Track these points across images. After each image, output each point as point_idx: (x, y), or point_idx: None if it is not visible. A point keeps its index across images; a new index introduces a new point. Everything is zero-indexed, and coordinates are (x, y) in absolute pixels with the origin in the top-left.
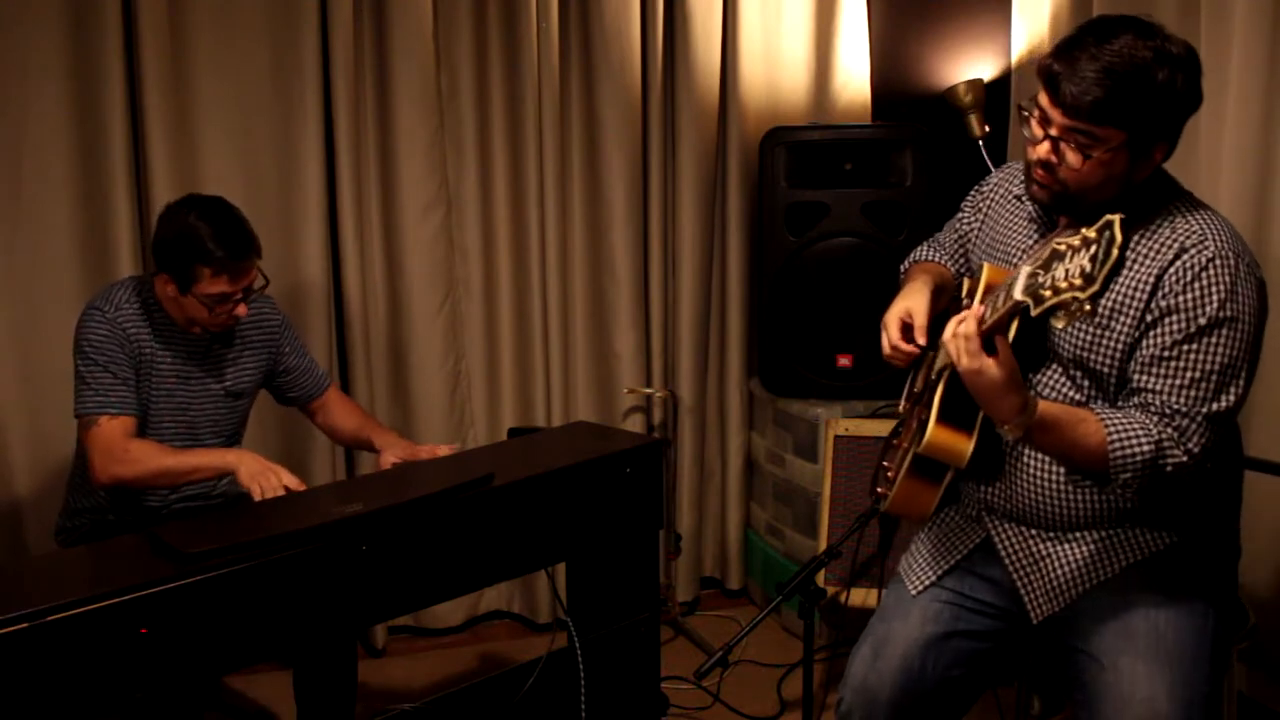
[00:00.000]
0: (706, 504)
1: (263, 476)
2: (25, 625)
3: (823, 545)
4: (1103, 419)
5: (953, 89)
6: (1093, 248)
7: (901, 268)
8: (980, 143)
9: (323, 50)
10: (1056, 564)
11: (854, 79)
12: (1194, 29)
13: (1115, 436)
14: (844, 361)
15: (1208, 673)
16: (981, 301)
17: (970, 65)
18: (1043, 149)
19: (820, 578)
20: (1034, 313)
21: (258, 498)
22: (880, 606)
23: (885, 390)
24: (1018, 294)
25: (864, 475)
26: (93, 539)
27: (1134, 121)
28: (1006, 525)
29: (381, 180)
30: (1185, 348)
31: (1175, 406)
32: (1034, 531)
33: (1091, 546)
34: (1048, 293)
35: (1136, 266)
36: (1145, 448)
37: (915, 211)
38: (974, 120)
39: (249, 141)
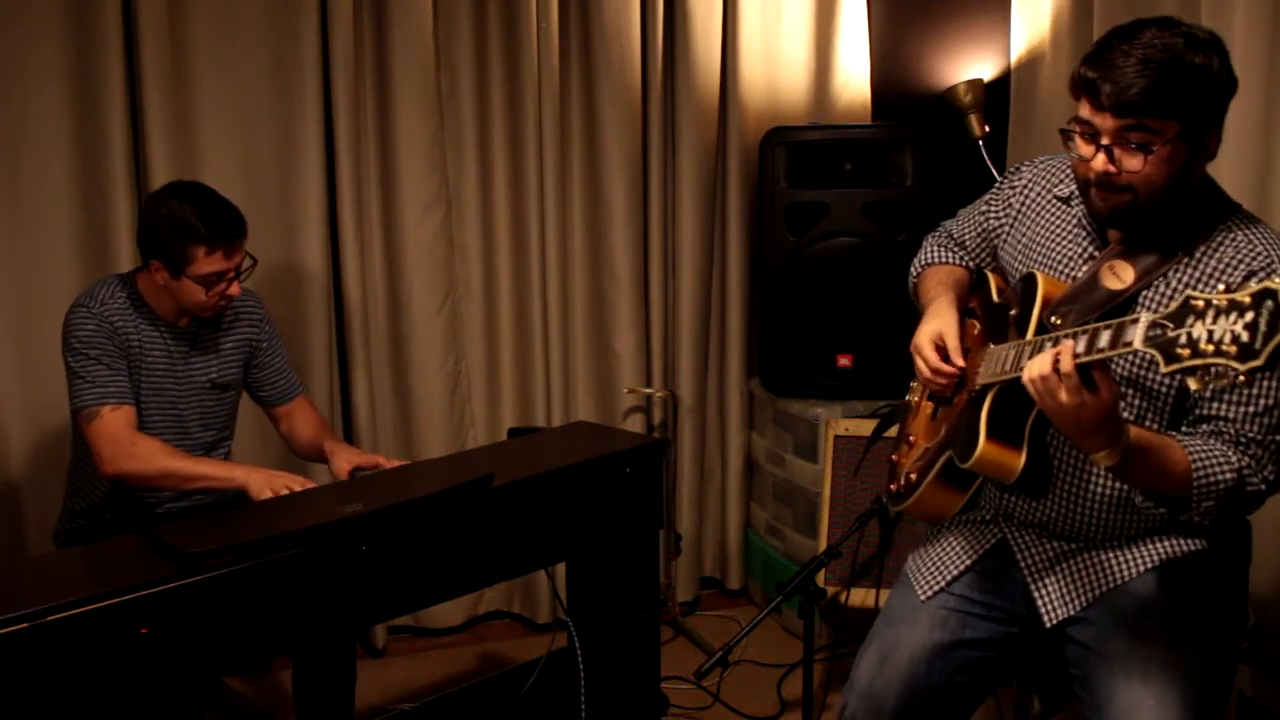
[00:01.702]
0: (706, 504)
1: (272, 486)
2: (25, 625)
3: (823, 545)
4: (1185, 445)
5: (953, 89)
6: (1248, 314)
7: (912, 271)
8: (980, 143)
9: (323, 50)
10: (1074, 570)
11: (854, 79)
12: None
13: (1200, 463)
14: (844, 361)
15: (1218, 678)
16: (1040, 314)
17: (970, 65)
18: (1098, 161)
19: (820, 578)
20: (1164, 370)
21: None
22: (887, 610)
23: (885, 390)
24: (1138, 343)
25: (864, 475)
26: (91, 541)
27: (1184, 108)
28: (1024, 532)
29: (381, 180)
30: (1258, 375)
31: (1250, 435)
32: (1054, 541)
33: (1112, 554)
34: (1185, 351)
35: (1201, 286)
36: (1228, 475)
37: (915, 211)
38: (974, 120)
39: (249, 141)
